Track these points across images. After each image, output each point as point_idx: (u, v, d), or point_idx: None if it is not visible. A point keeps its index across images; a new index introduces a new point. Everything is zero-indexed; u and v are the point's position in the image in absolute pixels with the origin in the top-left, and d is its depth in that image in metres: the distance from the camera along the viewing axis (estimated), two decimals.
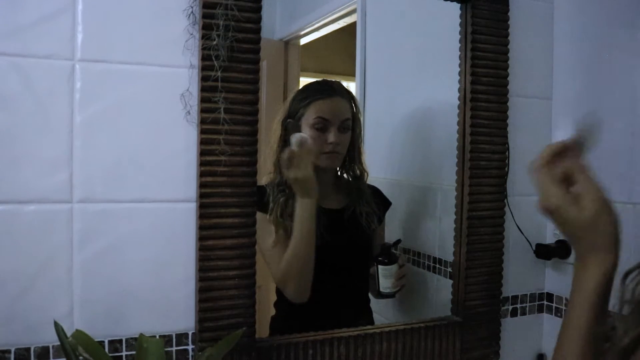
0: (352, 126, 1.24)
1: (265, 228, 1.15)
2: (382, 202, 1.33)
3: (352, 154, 1.27)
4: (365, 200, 1.27)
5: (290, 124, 1.22)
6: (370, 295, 1.32)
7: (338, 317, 1.15)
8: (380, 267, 1.21)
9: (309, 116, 1.21)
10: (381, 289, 1.22)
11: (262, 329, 1.20)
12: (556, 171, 0.61)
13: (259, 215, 1.10)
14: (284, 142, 1.21)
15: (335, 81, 1.28)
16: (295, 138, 1.10)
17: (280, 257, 1.15)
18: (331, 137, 1.19)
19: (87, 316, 0.89)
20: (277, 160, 1.21)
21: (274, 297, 1.28)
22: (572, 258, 1.19)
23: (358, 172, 1.29)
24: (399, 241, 1.27)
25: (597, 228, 0.59)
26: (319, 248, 1.14)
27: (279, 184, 1.20)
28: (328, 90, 1.24)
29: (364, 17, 1.55)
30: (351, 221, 1.25)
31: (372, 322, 1.29)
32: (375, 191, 1.33)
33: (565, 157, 0.62)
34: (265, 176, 1.23)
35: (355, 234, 1.25)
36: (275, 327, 1.24)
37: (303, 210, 1.13)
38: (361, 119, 1.29)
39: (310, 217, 1.13)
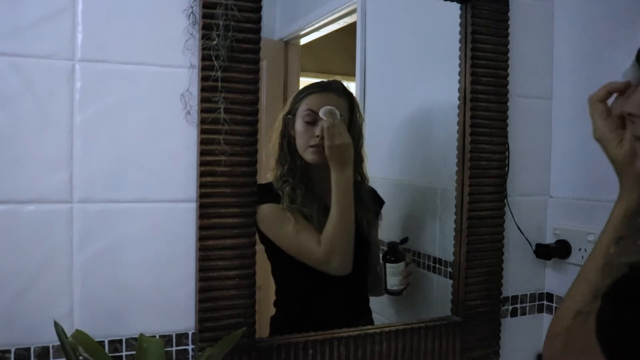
0: (349, 127, 1.24)
1: (282, 216, 1.16)
2: (377, 202, 1.34)
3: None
4: (365, 206, 1.28)
5: (289, 119, 1.24)
6: (369, 295, 1.32)
7: (338, 317, 1.15)
8: (388, 265, 1.24)
9: (301, 109, 1.22)
10: (389, 287, 1.24)
11: (262, 329, 1.19)
12: (614, 112, 0.66)
13: (273, 207, 1.12)
14: (284, 137, 1.23)
15: (336, 80, 1.29)
16: (322, 111, 1.14)
17: (313, 237, 1.15)
18: (318, 130, 1.18)
19: (87, 316, 0.89)
20: (278, 155, 1.23)
21: (273, 297, 1.28)
22: (572, 258, 1.21)
23: (359, 178, 1.29)
24: (406, 239, 1.28)
25: (627, 168, 0.65)
26: None
27: (282, 176, 1.22)
28: (323, 86, 1.25)
29: (364, 17, 1.55)
30: None
31: (371, 322, 1.29)
32: (370, 191, 1.34)
33: (626, 97, 0.65)
34: (269, 172, 1.24)
35: (354, 235, 1.25)
36: (275, 327, 1.24)
37: (342, 182, 1.14)
38: (362, 123, 1.29)
39: (349, 188, 1.14)
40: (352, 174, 1.15)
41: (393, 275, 1.24)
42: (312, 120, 1.20)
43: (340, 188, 1.14)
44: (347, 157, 1.14)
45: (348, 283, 1.26)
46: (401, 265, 1.24)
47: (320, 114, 1.15)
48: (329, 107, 1.15)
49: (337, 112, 1.16)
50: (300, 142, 1.22)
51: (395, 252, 1.25)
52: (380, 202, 1.36)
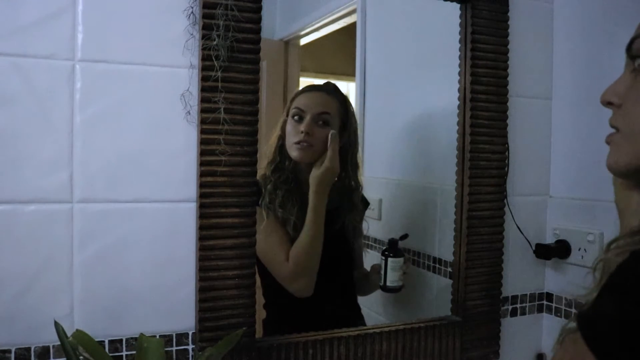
0: (342, 128, 1.23)
1: (259, 223, 1.15)
2: (365, 206, 1.35)
3: (347, 164, 1.25)
4: (356, 214, 1.30)
5: (284, 121, 1.24)
6: (358, 294, 1.34)
7: (329, 318, 1.15)
8: (389, 259, 1.25)
9: (292, 109, 1.23)
10: (388, 283, 1.25)
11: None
12: None
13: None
14: (279, 139, 1.24)
15: (329, 82, 1.29)
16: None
17: (282, 250, 1.15)
18: (302, 126, 1.19)
19: (87, 316, 0.89)
20: (272, 157, 1.23)
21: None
22: (571, 258, 1.21)
23: (353, 184, 1.29)
24: (405, 236, 1.29)
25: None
26: None
27: (266, 177, 1.22)
28: (314, 86, 1.27)
29: (364, 17, 1.55)
30: (337, 224, 1.26)
31: (362, 320, 1.31)
32: (361, 198, 1.34)
33: None
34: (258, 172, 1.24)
35: (339, 238, 1.27)
36: (267, 330, 1.23)
37: (320, 207, 1.14)
38: (357, 128, 1.28)
39: (323, 214, 1.15)
40: (326, 201, 1.16)
41: (394, 270, 1.24)
42: (299, 117, 1.20)
43: (317, 213, 1.15)
44: (330, 183, 1.16)
45: (336, 284, 1.27)
46: (401, 260, 1.25)
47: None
48: (333, 131, 1.16)
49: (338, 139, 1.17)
50: (288, 141, 1.22)
51: (394, 248, 1.26)
52: (365, 204, 1.36)
